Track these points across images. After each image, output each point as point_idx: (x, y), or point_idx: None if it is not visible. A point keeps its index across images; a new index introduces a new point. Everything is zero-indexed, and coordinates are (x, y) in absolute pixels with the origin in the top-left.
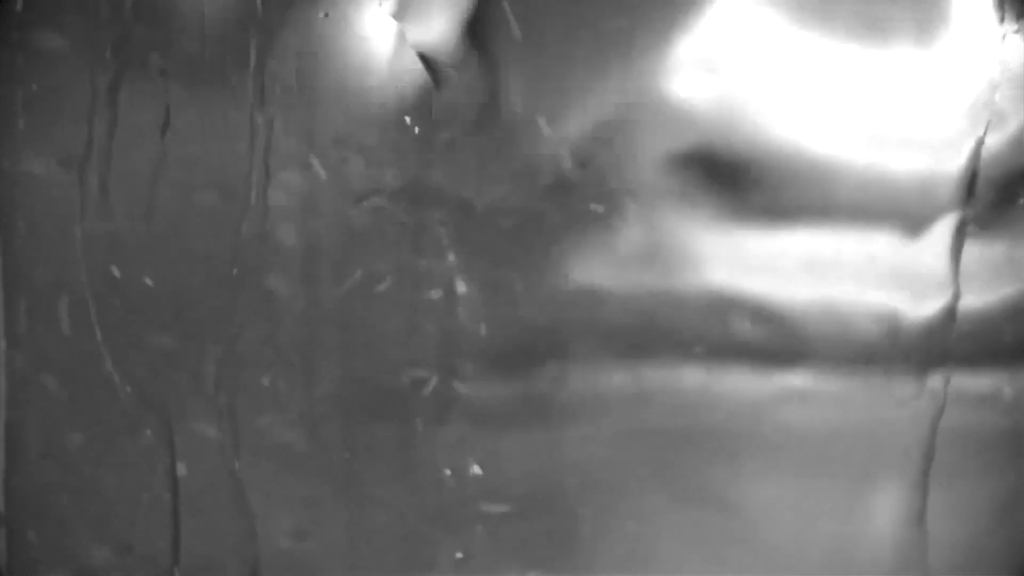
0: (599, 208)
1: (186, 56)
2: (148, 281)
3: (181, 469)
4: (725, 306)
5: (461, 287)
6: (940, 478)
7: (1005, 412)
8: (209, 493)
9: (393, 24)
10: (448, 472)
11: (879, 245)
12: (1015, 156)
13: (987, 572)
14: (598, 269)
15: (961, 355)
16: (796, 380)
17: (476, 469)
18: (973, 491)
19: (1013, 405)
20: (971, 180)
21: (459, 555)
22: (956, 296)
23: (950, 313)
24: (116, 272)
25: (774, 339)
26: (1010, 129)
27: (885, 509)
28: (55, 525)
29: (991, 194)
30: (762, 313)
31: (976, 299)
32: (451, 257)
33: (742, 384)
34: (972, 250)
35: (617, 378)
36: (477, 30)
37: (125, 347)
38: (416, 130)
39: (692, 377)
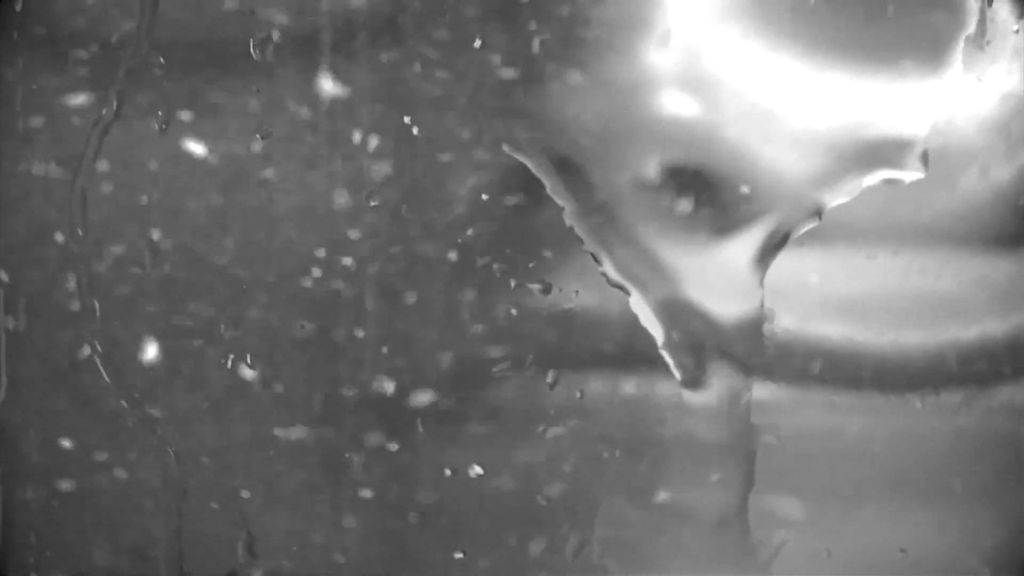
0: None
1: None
2: (146, 280)
3: (180, 469)
4: (691, 315)
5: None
6: (944, 484)
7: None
8: (207, 493)
9: None
10: (448, 472)
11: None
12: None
13: (987, 572)
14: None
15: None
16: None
17: (477, 469)
18: (978, 496)
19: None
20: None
21: (459, 555)
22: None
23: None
24: (114, 271)
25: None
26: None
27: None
28: (55, 526)
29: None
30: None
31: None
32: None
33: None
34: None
35: (592, 386)
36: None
37: (123, 347)
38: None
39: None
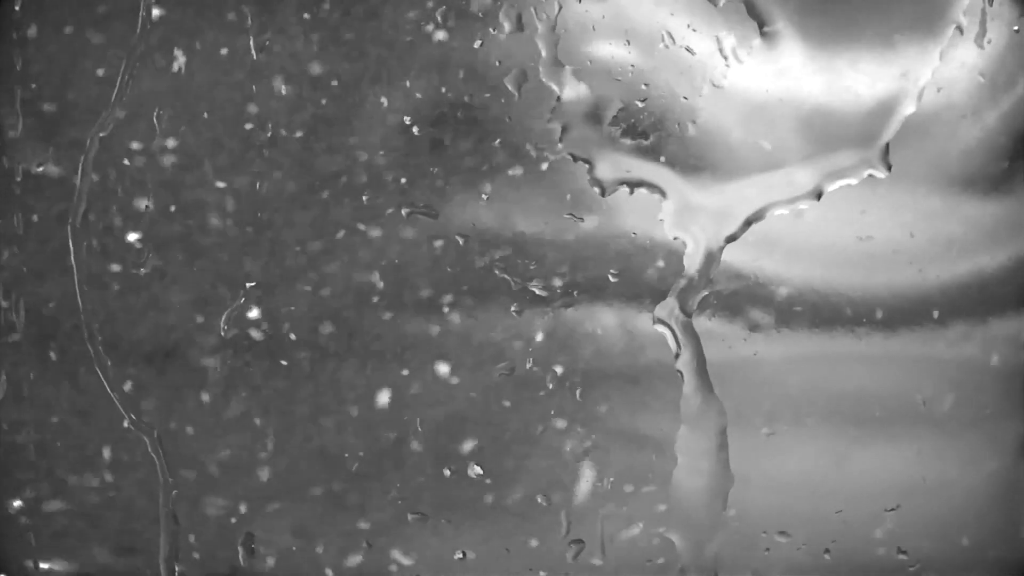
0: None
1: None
2: (146, 277)
3: (177, 467)
4: (640, 248)
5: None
6: (947, 410)
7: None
8: (207, 491)
9: None
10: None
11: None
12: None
13: (987, 572)
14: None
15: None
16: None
17: (477, 469)
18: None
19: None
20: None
21: (459, 555)
22: None
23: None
24: (113, 269)
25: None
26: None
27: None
28: (54, 525)
29: (999, 157)
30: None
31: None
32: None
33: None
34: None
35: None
36: None
37: (121, 346)
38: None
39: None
